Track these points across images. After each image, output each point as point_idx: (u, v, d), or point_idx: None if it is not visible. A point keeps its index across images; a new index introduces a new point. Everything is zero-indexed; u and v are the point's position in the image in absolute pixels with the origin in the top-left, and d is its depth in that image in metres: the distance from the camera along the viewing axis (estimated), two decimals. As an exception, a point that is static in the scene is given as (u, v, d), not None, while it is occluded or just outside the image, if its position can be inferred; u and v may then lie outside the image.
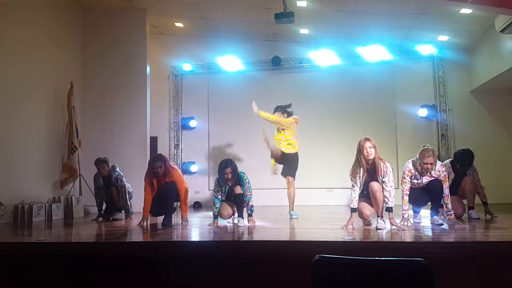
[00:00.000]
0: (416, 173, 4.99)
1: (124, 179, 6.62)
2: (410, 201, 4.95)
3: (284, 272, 3.29)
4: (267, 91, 9.66)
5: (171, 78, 10.27)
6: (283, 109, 6.93)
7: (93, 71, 8.56)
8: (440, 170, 4.93)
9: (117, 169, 6.63)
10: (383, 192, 4.67)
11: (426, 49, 9.07)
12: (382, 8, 7.62)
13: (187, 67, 10.05)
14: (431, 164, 4.79)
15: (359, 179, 4.76)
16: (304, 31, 9.18)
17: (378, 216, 4.78)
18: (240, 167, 5.70)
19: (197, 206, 9.74)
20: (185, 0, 8.18)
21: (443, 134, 9.24)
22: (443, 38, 8.86)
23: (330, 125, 9.43)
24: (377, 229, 4.61)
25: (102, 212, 6.59)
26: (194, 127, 10.11)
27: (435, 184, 4.91)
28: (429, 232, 4.57)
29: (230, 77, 9.93)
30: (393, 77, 9.35)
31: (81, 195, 7.63)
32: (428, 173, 4.91)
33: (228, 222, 5.72)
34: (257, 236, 4.56)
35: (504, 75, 7.59)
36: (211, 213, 6.76)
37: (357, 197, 4.78)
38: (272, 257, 3.48)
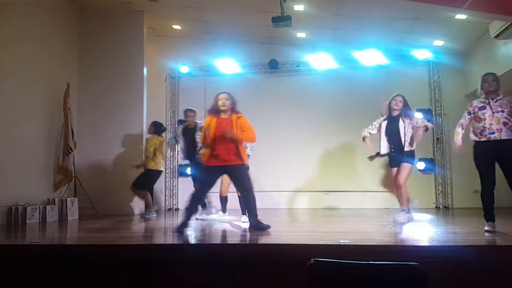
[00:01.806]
0: (481, 104, 4.60)
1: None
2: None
3: (279, 276, 3.29)
4: (264, 94, 9.69)
5: (168, 80, 10.27)
6: None
7: (89, 73, 8.54)
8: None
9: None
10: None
11: (421, 54, 9.13)
12: (378, 12, 7.66)
13: (184, 69, 10.06)
14: (492, 80, 4.55)
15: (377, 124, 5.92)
16: (301, 34, 9.21)
17: (402, 210, 4.96)
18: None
19: (193, 208, 9.71)
20: (183, 2, 8.19)
21: (438, 138, 9.28)
22: (439, 43, 8.91)
23: (326, 129, 9.45)
24: (395, 221, 4.83)
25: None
26: (191, 129, 10.09)
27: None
28: (424, 236, 4.59)
29: (228, 80, 9.92)
30: (389, 81, 9.37)
31: (75, 197, 7.60)
32: (496, 98, 4.49)
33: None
34: (251, 239, 4.57)
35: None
36: (207, 217, 6.79)
37: (367, 133, 5.97)
38: (266, 260, 3.48)
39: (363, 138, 6.01)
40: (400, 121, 5.71)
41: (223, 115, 5.25)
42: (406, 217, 5.62)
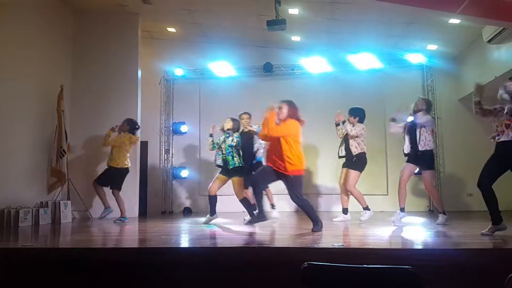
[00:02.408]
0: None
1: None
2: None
3: (272, 280, 3.29)
4: (259, 97, 9.63)
5: (163, 82, 10.25)
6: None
7: (83, 75, 8.50)
8: None
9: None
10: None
11: (415, 58, 9.18)
12: (372, 17, 7.69)
13: (179, 72, 10.06)
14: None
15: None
16: (295, 38, 9.24)
17: (440, 213, 5.57)
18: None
19: (187, 211, 9.70)
20: (177, 5, 8.19)
21: (432, 142, 9.32)
22: (432, 47, 8.97)
23: (321, 132, 9.46)
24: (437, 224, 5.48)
25: None
26: (185, 132, 10.09)
27: None
28: (418, 239, 4.61)
29: (222, 83, 9.94)
30: (383, 85, 9.43)
31: (69, 199, 7.56)
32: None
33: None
34: (244, 242, 4.56)
35: (492, 84, 7.65)
36: (201, 219, 6.79)
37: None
38: (259, 264, 3.48)
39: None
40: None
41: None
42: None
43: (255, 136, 6.79)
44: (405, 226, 5.73)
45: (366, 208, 6.58)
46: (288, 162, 4.99)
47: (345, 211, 6.79)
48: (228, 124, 6.50)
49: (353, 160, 6.56)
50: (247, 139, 6.81)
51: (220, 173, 6.48)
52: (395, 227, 5.67)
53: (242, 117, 6.87)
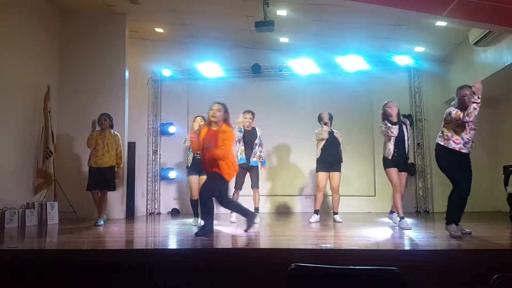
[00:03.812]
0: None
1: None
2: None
3: (259, 281, 3.29)
4: (247, 98, 9.67)
5: (151, 83, 10.21)
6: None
7: (70, 75, 8.42)
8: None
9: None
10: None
11: (402, 60, 9.25)
12: (360, 19, 7.74)
13: (166, 72, 10.01)
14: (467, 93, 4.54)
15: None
16: (284, 39, 9.26)
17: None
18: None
19: (175, 213, 9.67)
20: (165, 6, 8.16)
21: (418, 143, 9.42)
22: (419, 49, 9.06)
23: (309, 133, 9.48)
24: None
25: None
26: (173, 133, 10.05)
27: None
28: (404, 240, 4.65)
29: (210, 84, 9.92)
30: (370, 86, 9.50)
31: (55, 201, 7.48)
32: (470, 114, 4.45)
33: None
34: (230, 244, 4.56)
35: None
36: (188, 220, 6.77)
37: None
38: (246, 266, 3.48)
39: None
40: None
41: (213, 126, 5.19)
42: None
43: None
44: (394, 227, 5.78)
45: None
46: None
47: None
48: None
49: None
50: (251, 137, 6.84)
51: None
52: (383, 228, 5.72)
53: (245, 116, 6.86)
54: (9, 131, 6.96)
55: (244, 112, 6.88)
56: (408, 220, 5.80)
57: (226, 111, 5.24)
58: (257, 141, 6.83)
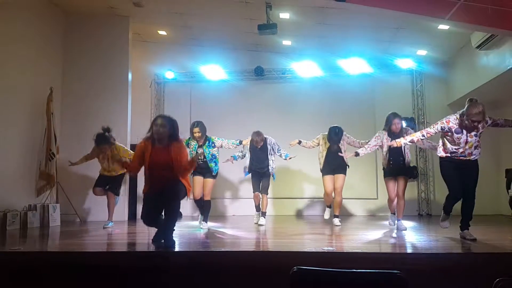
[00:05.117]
0: (457, 126, 4.71)
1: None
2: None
3: (262, 284, 3.29)
4: (250, 101, 9.71)
5: (153, 85, 10.22)
6: None
7: (73, 77, 8.45)
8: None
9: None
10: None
11: (405, 63, 9.25)
12: (363, 22, 7.74)
13: (169, 75, 10.02)
14: (476, 114, 4.45)
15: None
16: (286, 42, 9.27)
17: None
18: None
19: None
20: (168, 8, 8.18)
21: (420, 147, 9.39)
22: (422, 52, 9.05)
23: (312, 136, 9.48)
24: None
25: None
26: (176, 136, 10.03)
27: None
28: (406, 243, 4.64)
29: (213, 86, 9.93)
30: (373, 89, 9.50)
31: (58, 202, 7.49)
32: (476, 131, 4.60)
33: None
34: (233, 247, 4.55)
35: (480, 89, 7.78)
36: (191, 223, 6.78)
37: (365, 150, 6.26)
38: (249, 268, 3.48)
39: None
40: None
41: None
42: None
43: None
44: (397, 230, 5.77)
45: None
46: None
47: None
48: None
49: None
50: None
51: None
52: (384, 231, 5.71)
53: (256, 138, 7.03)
54: (12, 133, 6.99)
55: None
56: (410, 223, 5.80)
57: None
58: (270, 152, 7.09)
